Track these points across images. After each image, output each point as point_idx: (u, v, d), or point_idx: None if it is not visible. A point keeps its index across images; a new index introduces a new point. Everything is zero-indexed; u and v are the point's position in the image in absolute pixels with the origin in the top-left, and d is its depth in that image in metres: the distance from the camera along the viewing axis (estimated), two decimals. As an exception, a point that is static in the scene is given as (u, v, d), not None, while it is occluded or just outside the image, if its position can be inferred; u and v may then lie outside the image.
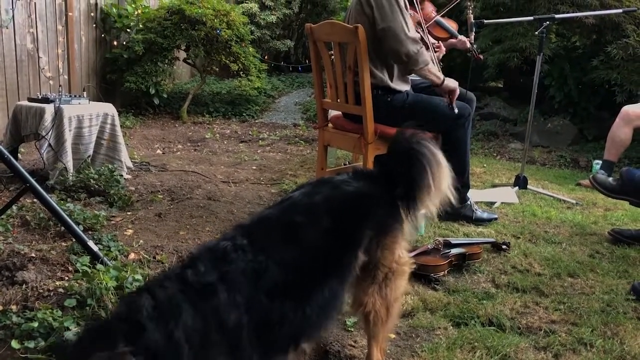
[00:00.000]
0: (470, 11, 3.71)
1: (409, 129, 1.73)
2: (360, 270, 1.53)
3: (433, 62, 3.14)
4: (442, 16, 3.89)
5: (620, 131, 4.34)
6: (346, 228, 1.48)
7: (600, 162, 4.52)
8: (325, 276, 1.42)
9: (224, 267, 1.26)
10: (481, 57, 3.93)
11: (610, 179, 3.08)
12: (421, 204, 1.64)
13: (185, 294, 1.19)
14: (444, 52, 3.75)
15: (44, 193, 2.33)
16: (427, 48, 3.30)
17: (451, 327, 2.09)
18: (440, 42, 3.89)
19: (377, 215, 1.57)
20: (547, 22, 3.92)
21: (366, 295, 1.59)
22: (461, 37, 3.85)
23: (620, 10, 4.32)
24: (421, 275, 2.45)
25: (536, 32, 3.99)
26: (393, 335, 2.00)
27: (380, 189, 1.63)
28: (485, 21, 4.23)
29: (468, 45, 3.75)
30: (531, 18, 4.07)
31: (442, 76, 3.06)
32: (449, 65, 5.88)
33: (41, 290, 2.09)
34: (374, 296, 1.59)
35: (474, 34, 3.77)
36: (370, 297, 1.59)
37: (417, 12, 3.48)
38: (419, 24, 3.48)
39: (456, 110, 3.06)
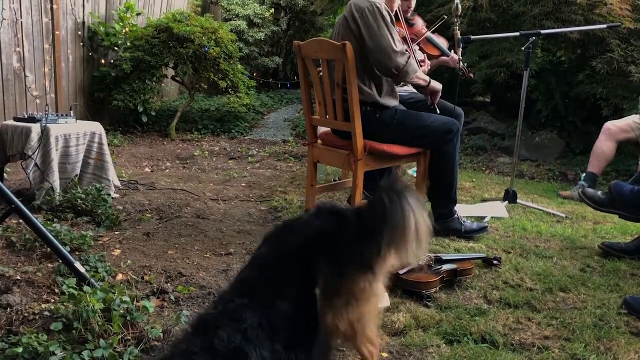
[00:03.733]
0: (457, 27, 3.73)
1: (396, 178, 1.68)
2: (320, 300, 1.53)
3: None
4: (433, 32, 3.88)
5: (603, 145, 4.42)
6: (310, 268, 1.50)
7: (588, 175, 4.56)
8: (313, 319, 1.46)
9: (241, 325, 1.27)
10: (472, 75, 3.93)
11: (599, 192, 3.09)
12: (387, 256, 1.58)
13: None
14: (429, 68, 3.77)
15: (30, 214, 2.29)
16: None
17: (444, 344, 2.07)
18: (431, 59, 3.90)
19: (335, 247, 1.55)
20: (533, 38, 3.96)
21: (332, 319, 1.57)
22: (452, 55, 3.84)
23: (604, 26, 4.37)
24: (413, 292, 2.44)
25: (522, 48, 4.03)
26: (385, 354, 1.98)
27: (342, 224, 1.59)
28: (472, 37, 4.26)
29: (460, 64, 3.75)
30: (517, 34, 4.10)
31: (428, 78, 3.20)
32: (436, 80, 5.92)
33: (26, 314, 2.04)
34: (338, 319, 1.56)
35: (461, 49, 3.78)
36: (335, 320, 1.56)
37: (402, 28, 3.51)
38: (404, 39, 3.50)
39: (438, 111, 3.27)
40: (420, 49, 3.80)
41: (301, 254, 1.51)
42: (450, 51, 3.91)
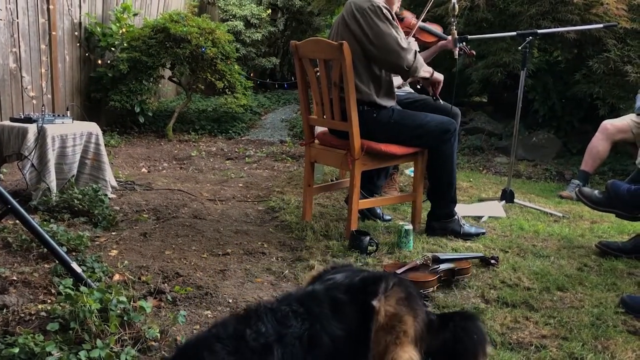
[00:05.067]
0: (454, 27, 3.73)
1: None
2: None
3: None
4: (423, 21, 3.89)
5: (599, 144, 4.44)
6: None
7: (586, 175, 4.57)
8: (364, 346, 1.55)
9: (283, 330, 1.40)
10: (473, 52, 3.92)
11: (596, 191, 3.09)
12: None
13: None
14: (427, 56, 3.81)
15: (26, 214, 2.28)
16: None
17: (442, 344, 2.07)
18: (430, 46, 3.92)
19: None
20: (530, 37, 3.96)
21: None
22: (449, 37, 3.82)
23: (600, 25, 4.38)
24: (410, 292, 2.43)
25: (519, 47, 4.03)
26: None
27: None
28: (469, 37, 4.25)
29: (459, 43, 3.75)
30: (514, 33, 4.11)
31: (431, 70, 3.25)
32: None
33: (22, 315, 2.03)
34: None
35: (458, 49, 3.78)
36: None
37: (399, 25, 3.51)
38: None
39: (441, 102, 3.37)
40: (417, 40, 3.82)
41: (371, 290, 1.61)
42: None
